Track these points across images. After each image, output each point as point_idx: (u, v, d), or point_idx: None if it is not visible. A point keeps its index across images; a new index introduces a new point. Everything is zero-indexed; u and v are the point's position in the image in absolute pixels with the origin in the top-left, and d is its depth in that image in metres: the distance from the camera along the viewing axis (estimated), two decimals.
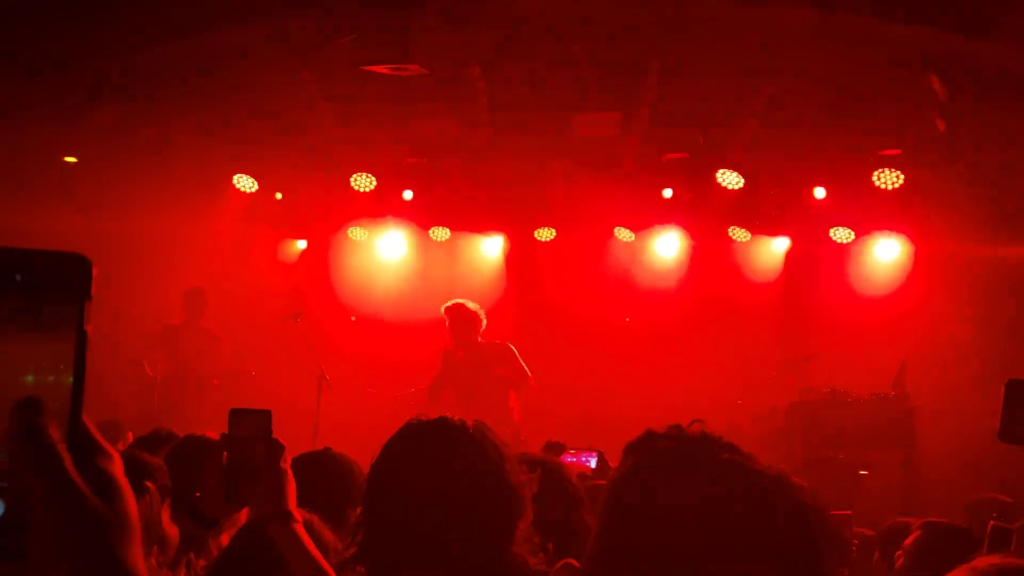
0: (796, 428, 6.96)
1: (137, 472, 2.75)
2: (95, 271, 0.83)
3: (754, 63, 7.40)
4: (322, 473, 3.05)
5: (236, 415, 2.05)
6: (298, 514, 2.02)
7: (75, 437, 0.81)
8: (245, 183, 9.66)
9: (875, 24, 6.35)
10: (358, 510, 3.13)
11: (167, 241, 9.50)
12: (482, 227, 10.46)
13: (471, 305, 8.01)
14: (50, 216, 8.70)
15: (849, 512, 4.08)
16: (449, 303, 8.02)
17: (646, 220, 9.85)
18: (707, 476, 1.30)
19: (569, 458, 4.19)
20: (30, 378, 0.81)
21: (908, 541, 3.55)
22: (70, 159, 9.01)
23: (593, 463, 4.25)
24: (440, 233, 10.51)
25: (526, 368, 7.89)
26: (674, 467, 1.32)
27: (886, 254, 9.13)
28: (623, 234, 10.12)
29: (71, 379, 0.82)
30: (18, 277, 0.81)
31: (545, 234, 10.35)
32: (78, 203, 9.04)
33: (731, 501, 1.26)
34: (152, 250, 9.32)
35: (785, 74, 7.58)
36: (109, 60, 7.41)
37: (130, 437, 5.05)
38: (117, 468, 0.85)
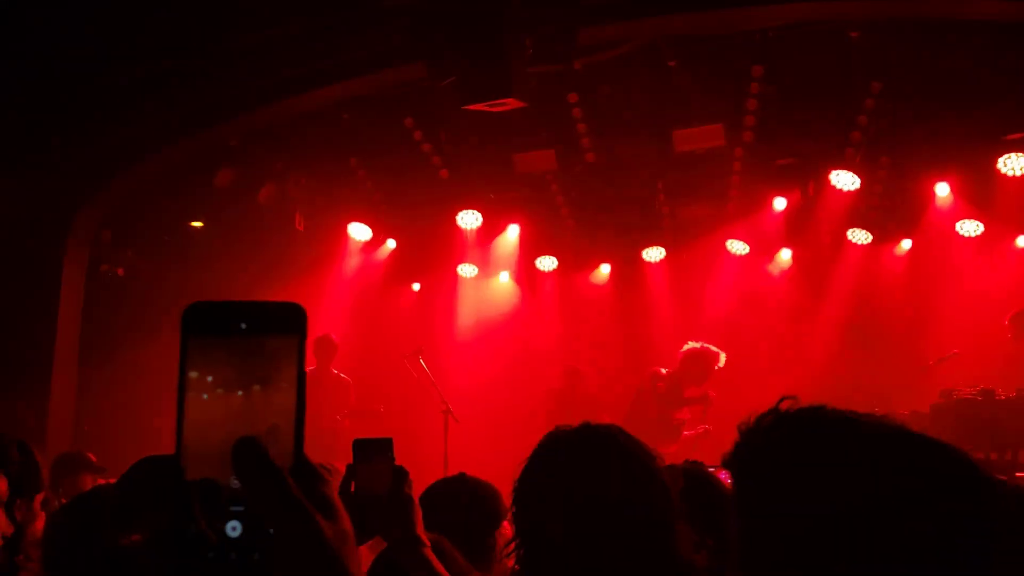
0: (942, 431, 6.61)
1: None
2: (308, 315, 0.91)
3: (858, 58, 7.20)
4: (460, 499, 3.08)
5: (360, 445, 2.09)
6: (426, 538, 2.02)
7: (299, 464, 0.89)
8: (359, 231, 9.97)
9: (980, 6, 6.09)
10: (499, 531, 3.18)
11: (292, 293, 9.87)
12: (589, 253, 10.48)
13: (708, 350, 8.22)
14: (182, 276, 9.21)
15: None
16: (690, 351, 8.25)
17: (760, 230, 9.66)
18: (821, 449, 1.15)
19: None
20: (260, 416, 0.89)
21: None
22: (196, 223, 9.50)
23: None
24: (547, 262, 10.58)
25: None
26: (783, 447, 1.17)
27: (1017, 244, 8.69)
28: (736, 247, 9.95)
29: (294, 414, 0.90)
30: (243, 326, 0.88)
31: (654, 254, 10.27)
32: (205, 264, 9.53)
33: (857, 466, 1.11)
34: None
35: (892, 67, 7.35)
36: (223, 124, 7.80)
37: None
38: (333, 491, 0.91)
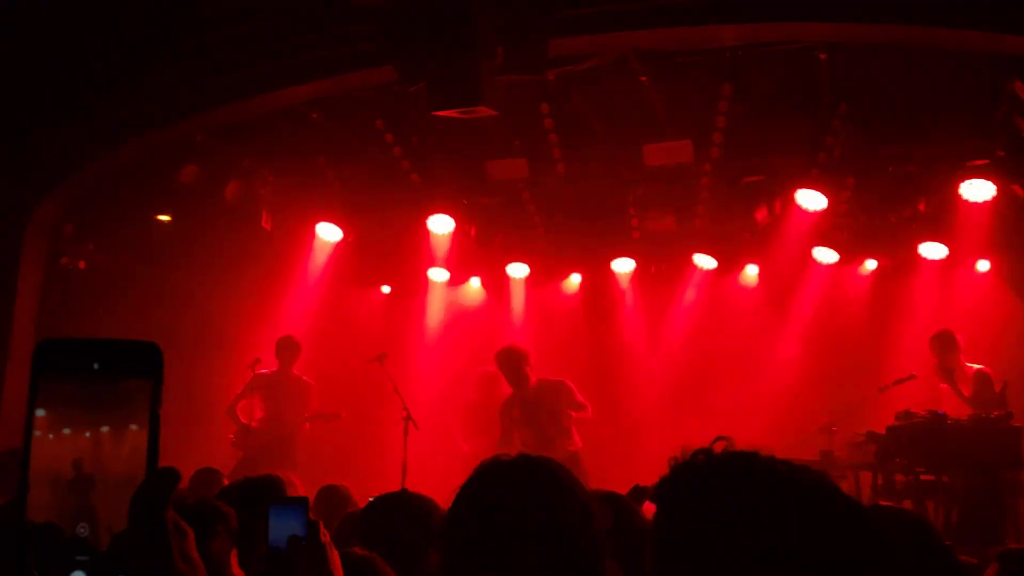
0: (896, 452, 6.69)
1: (209, 517, 2.81)
2: (163, 356, 0.89)
3: (826, 79, 7.26)
4: (400, 515, 3.06)
5: (275, 510, 2.00)
6: None
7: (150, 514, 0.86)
8: (328, 232, 9.91)
9: (952, 33, 6.16)
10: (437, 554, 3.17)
11: (257, 291, 9.80)
12: (559, 262, 10.50)
13: (514, 349, 8.18)
14: (145, 272, 9.11)
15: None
16: (497, 351, 8.21)
17: (726, 246, 9.73)
18: (736, 491, 1.18)
19: None
20: (111, 461, 0.87)
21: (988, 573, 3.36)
22: (163, 217, 9.39)
23: None
24: (518, 270, 10.58)
25: (583, 401, 7.91)
26: (700, 490, 1.21)
27: (977, 269, 8.80)
28: (704, 261, 10.01)
29: (145, 460, 0.87)
30: (96, 366, 0.86)
31: (623, 265, 10.31)
32: (169, 260, 9.44)
33: (763, 511, 1.15)
34: (242, 300, 9.63)
35: (862, 90, 7.43)
36: (191, 119, 7.72)
37: (225, 482, 5.18)
38: (191, 545, 0.89)
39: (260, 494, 3.21)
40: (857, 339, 9.19)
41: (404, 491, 3.33)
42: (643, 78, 7.34)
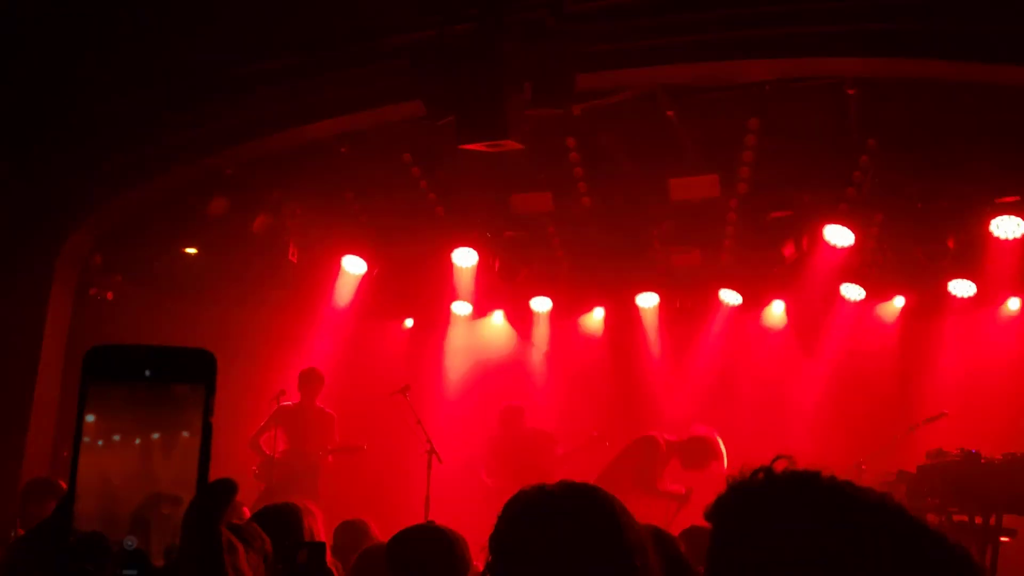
0: (927, 492, 6.56)
1: (249, 536, 2.79)
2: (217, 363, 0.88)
3: (854, 115, 7.25)
4: (426, 547, 3.03)
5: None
6: None
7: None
8: (353, 265, 9.95)
9: (981, 68, 6.13)
10: None
11: (282, 323, 9.84)
12: (583, 296, 10.47)
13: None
14: (172, 303, 9.18)
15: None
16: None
17: (752, 282, 9.67)
18: (802, 512, 1.12)
19: None
20: (161, 469, 0.85)
21: None
22: (190, 250, 9.47)
23: None
24: (542, 304, 10.56)
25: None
26: (765, 509, 1.14)
27: (1007, 308, 8.67)
28: (729, 297, 9.95)
29: (197, 468, 0.85)
30: (147, 372, 0.84)
31: (647, 300, 10.26)
32: (196, 292, 9.50)
33: (833, 534, 1.08)
34: (267, 332, 9.67)
35: (891, 125, 7.40)
36: (219, 153, 7.81)
37: (246, 513, 5.16)
38: (242, 560, 0.87)
39: (278, 522, 3.18)
40: (886, 377, 9.07)
41: (431, 523, 3.30)
42: (670, 112, 7.35)
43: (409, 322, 11.04)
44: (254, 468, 8.64)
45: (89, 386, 0.84)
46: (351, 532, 4.77)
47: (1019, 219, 7.85)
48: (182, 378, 0.86)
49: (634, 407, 10.01)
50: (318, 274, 9.93)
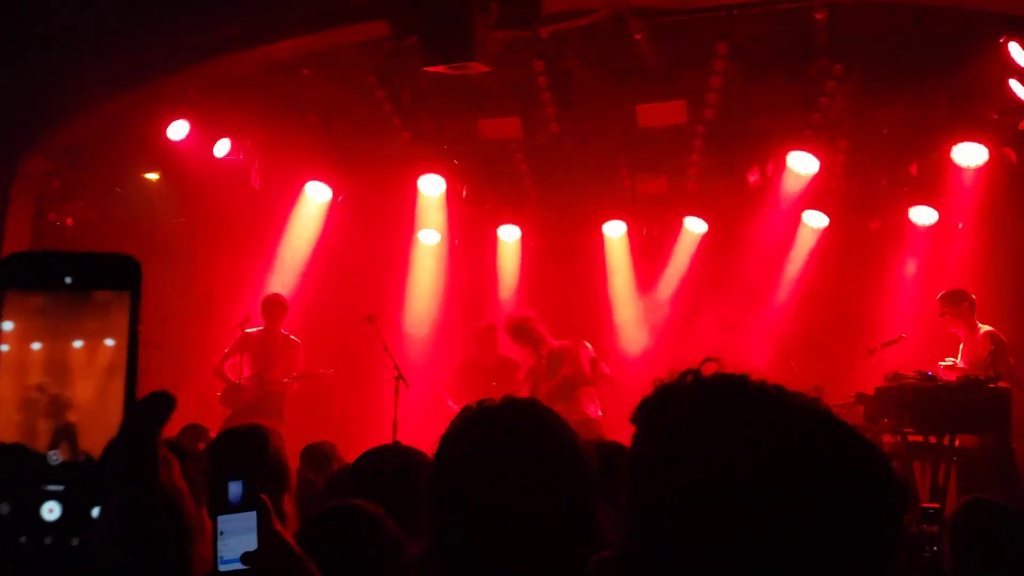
0: (883, 413, 6.73)
1: (185, 455, 2.80)
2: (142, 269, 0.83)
3: (822, 40, 7.21)
4: (391, 467, 3.05)
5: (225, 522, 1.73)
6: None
7: (130, 436, 0.81)
8: (317, 191, 9.84)
9: None
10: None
11: (245, 250, 9.74)
12: (550, 223, 10.46)
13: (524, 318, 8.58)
14: (136, 231, 9.04)
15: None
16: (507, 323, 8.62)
17: (717, 208, 9.71)
18: (730, 412, 1.06)
19: None
20: (85, 378, 0.81)
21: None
22: (151, 175, 9.30)
23: None
24: (510, 231, 10.54)
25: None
26: (687, 409, 1.08)
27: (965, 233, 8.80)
28: (695, 224, 9.99)
29: (124, 378, 0.81)
30: (68, 280, 0.81)
31: (615, 228, 10.27)
32: (157, 217, 9.36)
33: (765, 440, 1.03)
34: (230, 259, 9.57)
35: (858, 51, 7.37)
36: (178, 74, 7.61)
37: (211, 438, 5.18)
38: (177, 474, 0.86)
39: (245, 443, 3.17)
40: (847, 302, 9.21)
41: (396, 443, 3.32)
42: (638, 36, 7.26)
43: (375, 248, 10.96)
44: (218, 394, 8.64)
45: (5, 292, 0.79)
46: (318, 454, 4.80)
47: (981, 146, 7.91)
48: (105, 284, 0.82)
49: (596, 335, 10.08)
50: (281, 200, 9.80)
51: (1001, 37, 6.64)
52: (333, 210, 10.03)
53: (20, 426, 0.78)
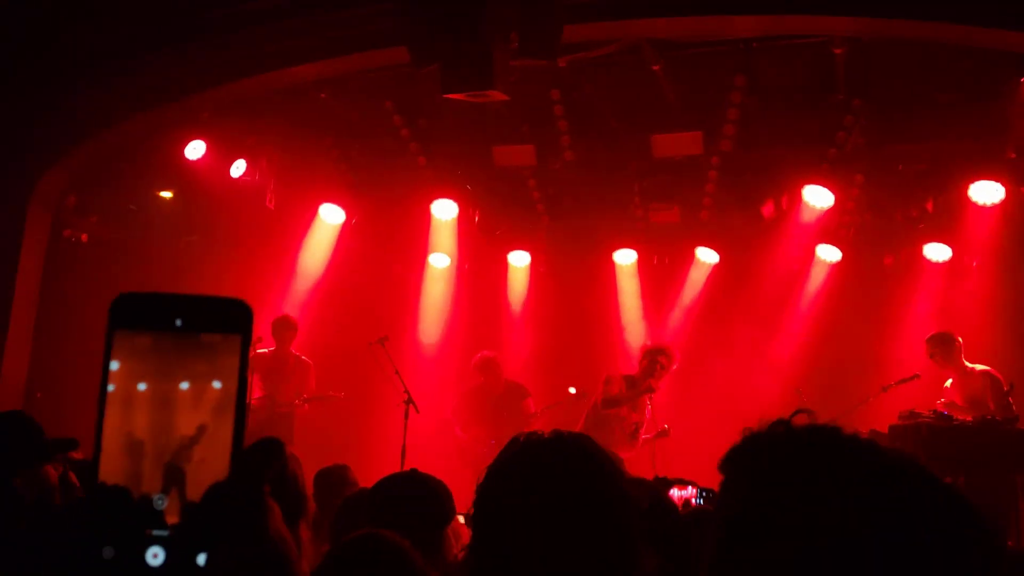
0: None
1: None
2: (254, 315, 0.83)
3: (840, 74, 7.22)
4: (410, 495, 3.03)
5: None
6: None
7: (237, 478, 0.80)
8: (331, 213, 9.86)
9: (967, 30, 6.12)
10: (449, 529, 3.13)
11: (258, 271, 9.75)
12: (561, 250, 10.45)
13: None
14: (150, 248, 9.06)
15: None
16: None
17: (730, 240, 9.69)
18: (830, 465, 1.06)
19: (677, 492, 4.04)
20: (190, 421, 0.80)
21: None
22: (166, 194, 9.32)
23: (695, 495, 4.05)
24: (519, 257, 10.53)
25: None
26: (781, 462, 1.08)
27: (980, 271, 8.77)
28: (705, 254, 9.97)
29: (232, 427, 0.80)
30: (178, 322, 0.80)
31: (625, 256, 10.26)
32: (171, 236, 9.38)
33: (865, 490, 1.03)
34: (242, 279, 9.58)
35: (876, 86, 7.39)
36: (197, 95, 7.65)
37: None
38: (279, 521, 0.84)
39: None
40: (860, 338, 9.16)
41: (414, 471, 3.29)
42: (655, 67, 7.29)
43: (389, 271, 10.97)
44: None
45: (115, 336, 0.78)
46: (332, 477, 4.76)
47: (998, 184, 7.89)
48: (216, 328, 0.81)
49: (607, 364, 10.05)
50: (296, 221, 9.83)
51: (1021, 77, 6.64)
52: (346, 232, 10.04)
53: (126, 468, 0.76)
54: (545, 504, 1.71)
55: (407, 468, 3.61)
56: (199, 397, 0.80)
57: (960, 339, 7.55)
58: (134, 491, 0.76)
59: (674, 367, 8.25)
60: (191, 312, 0.80)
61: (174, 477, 0.77)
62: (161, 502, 0.77)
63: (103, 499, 0.75)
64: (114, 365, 0.78)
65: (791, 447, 1.09)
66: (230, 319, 0.82)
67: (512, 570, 1.69)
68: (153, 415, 0.78)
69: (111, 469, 0.77)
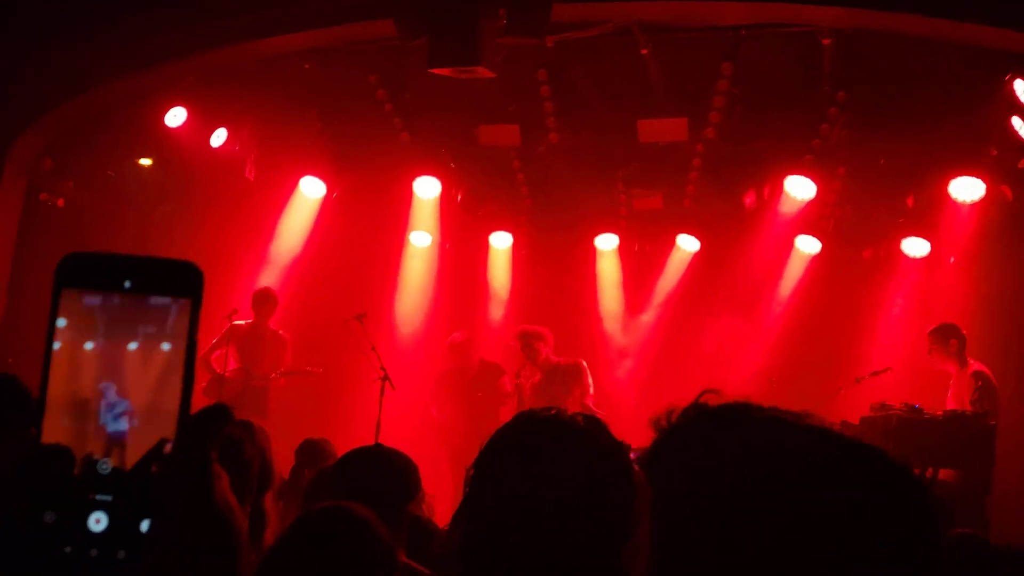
0: (871, 443, 6.72)
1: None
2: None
3: (827, 66, 7.22)
4: (374, 469, 3.01)
5: None
6: None
7: (184, 446, 0.78)
8: (312, 187, 9.78)
9: (957, 26, 6.12)
10: (412, 505, 3.12)
11: (236, 242, 9.67)
12: (543, 233, 10.43)
13: (530, 329, 8.73)
14: (127, 215, 8.97)
15: None
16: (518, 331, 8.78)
17: (711, 228, 9.71)
18: (753, 438, 1.03)
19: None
20: (138, 382, 0.78)
21: None
22: (145, 160, 9.21)
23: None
24: (502, 238, 10.51)
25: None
26: (701, 444, 1.06)
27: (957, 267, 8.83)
28: (687, 241, 9.98)
29: (180, 390, 0.79)
30: (127, 284, 0.78)
31: (607, 241, 10.26)
32: (149, 203, 9.28)
33: (789, 462, 1.00)
34: (220, 250, 9.50)
35: (862, 80, 7.39)
36: (179, 61, 7.55)
37: None
38: (225, 485, 0.83)
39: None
40: (835, 328, 9.22)
41: (379, 445, 3.27)
42: (644, 51, 7.26)
43: (368, 247, 10.91)
44: (203, 385, 8.56)
45: (62, 295, 0.77)
46: (316, 450, 4.75)
47: (979, 181, 7.93)
48: (166, 291, 0.80)
49: (582, 349, 10.06)
50: (276, 194, 9.74)
51: (1007, 75, 6.66)
52: (327, 206, 9.96)
53: (69, 429, 0.74)
54: (540, 484, 1.67)
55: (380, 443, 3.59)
56: (147, 359, 0.78)
57: (964, 333, 7.39)
58: (78, 452, 0.74)
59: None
60: (141, 274, 0.79)
61: (119, 440, 0.75)
62: (105, 466, 0.75)
63: (45, 461, 0.72)
64: (60, 323, 0.75)
65: (704, 428, 1.07)
66: (181, 282, 0.81)
67: (503, 550, 1.64)
68: (99, 375, 0.76)
69: (54, 429, 0.75)
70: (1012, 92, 6.71)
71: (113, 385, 0.77)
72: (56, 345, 0.76)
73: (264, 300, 8.81)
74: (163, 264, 0.80)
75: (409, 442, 7.00)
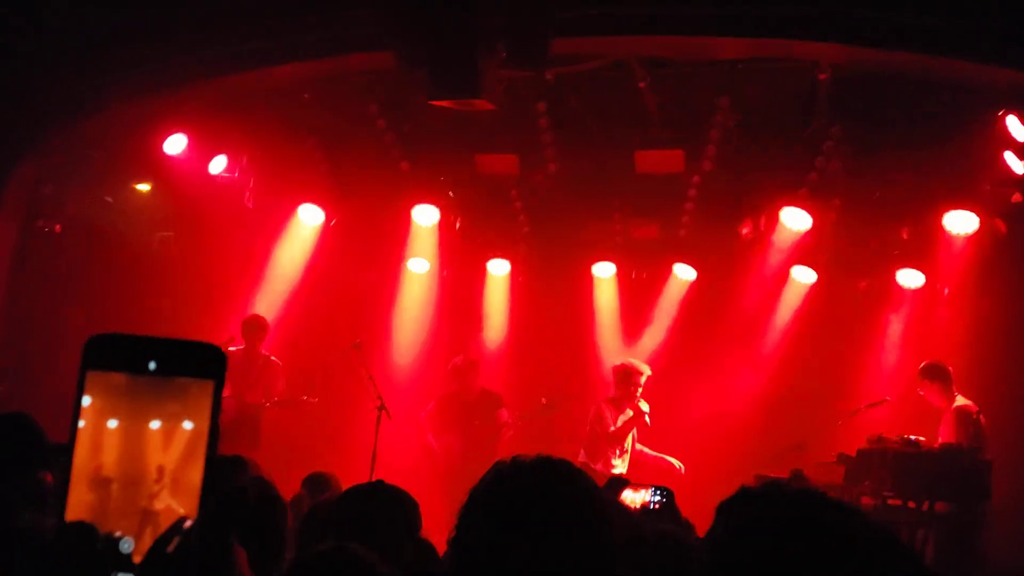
0: (864, 475, 6.72)
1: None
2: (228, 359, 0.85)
3: (823, 100, 7.30)
4: (376, 505, 3.01)
5: None
6: None
7: (208, 518, 0.80)
8: (310, 214, 9.80)
9: (952, 64, 6.20)
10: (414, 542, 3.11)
11: (233, 269, 9.67)
12: (540, 261, 10.45)
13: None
14: (123, 242, 8.97)
15: None
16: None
17: (707, 258, 9.75)
18: (826, 535, 1.20)
19: (632, 494, 4.05)
20: (160, 461, 0.80)
21: None
22: (143, 187, 9.23)
23: (655, 499, 4.04)
24: (499, 266, 10.52)
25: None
26: (785, 526, 1.22)
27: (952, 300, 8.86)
28: (683, 271, 10.01)
29: (203, 469, 0.80)
30: (152, 365, 0.80)
31: (604, 269, 10.28)
32: (146, 229, 9.30)
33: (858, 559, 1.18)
34: (217, 276, 9.51)
35: (857, 114, 7.47)
36: (180, 91, 7.60)
37: None
38: (245, 567, 0.83)
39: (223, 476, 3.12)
40: (831, 360, 9.22)
41: (380, 482, 3.27)
42: (642, 84, 7.33)
43: (365, 275, 10.91)
44: None
45: (87, 376, 0.78)
46: (322, 484, 4.75)
47: (972, 215, 7.99)
48: (189, 372, 0.81)
49: (581, 376, 10.07)
50: (274, 221, 9.75)
51: (1000, 111, 6.74)
52: (325, 234, 9.98)
53: (93, 505, 0.75)
54: (530, 534, 1.70)
55: (377, 475, 3.59)
56: (169, 438, 0.79)
57: (949, 370, 7.42)
58: (100, 529, 0.75)
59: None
60: (166, 355, 0.80)
61: (141, 517, 0.76)
62: (127, 544, 0.75)
63: (69, 538, 0.73)
64: (86, 401, 0.77)
65: (776, 508, 1.23)
66: (204, 364, 0.82)
67: None
68: (123, 453, 0.77)
69: (79, 505, 0.75)
70: (1004, 128, 6.78)
71: (137, 462, 0.78)
72: (81, 423, 0.77)
73: (254, 327, 8.80)
74: (187, 346, 0.81)
75: (406, 472, 6.98)
